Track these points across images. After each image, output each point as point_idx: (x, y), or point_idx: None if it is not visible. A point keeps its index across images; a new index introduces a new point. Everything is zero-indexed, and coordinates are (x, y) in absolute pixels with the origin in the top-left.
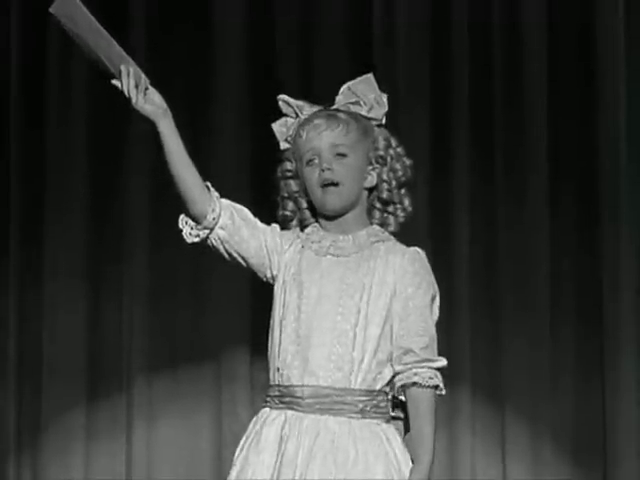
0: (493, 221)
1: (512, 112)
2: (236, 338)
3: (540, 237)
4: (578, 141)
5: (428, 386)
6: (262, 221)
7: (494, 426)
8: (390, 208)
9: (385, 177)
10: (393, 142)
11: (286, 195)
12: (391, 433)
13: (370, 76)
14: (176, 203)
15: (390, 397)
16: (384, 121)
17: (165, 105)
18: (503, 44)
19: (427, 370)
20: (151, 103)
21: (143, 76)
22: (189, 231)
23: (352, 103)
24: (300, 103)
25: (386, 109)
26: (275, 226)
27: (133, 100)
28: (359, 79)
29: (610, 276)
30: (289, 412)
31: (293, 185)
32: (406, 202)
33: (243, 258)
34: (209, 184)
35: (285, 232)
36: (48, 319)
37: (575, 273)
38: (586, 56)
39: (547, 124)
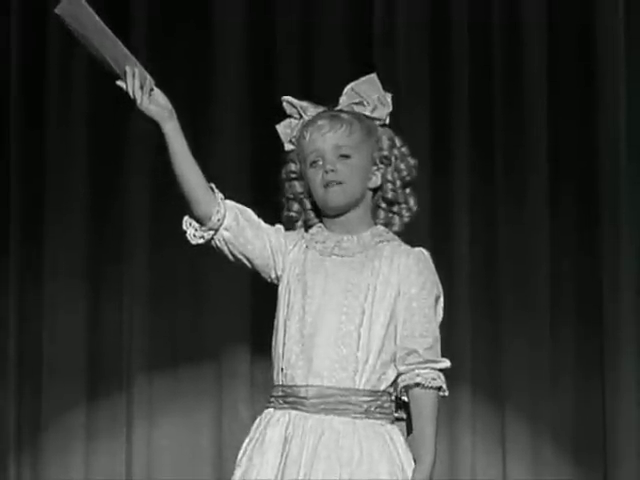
0: (493, 221)
1: (512, 112)
2: (236, 337)
3: (540, 237)
4: (578, 141)
5: (431, 387)
6: (264, 221)
7: (494, 425)
8: (395, 208)
9: (389, 177)
10: (397, 142)
11: (291, 196)
12: (395, 434)
13: (374, 76)
14: (177, 203)
15: (394, 398)
16: (388, 121)
17: (170, 106)
18: (503, 44)
19: (430, 371)
20: (156, 104)
21: (148, 77)
22: (193, 232)
23: (356, 103)
24: (304, 104)
25: (390, 109)
26: (279, 227)
27: (138, 101)
28: (363, 79)
29: (610, 276)
30: (293, 412)
31: (297, 186)
32: (411, 202)
33: (248, 259)
34: (213, 185)
35: (289, 232)
36: (48, 319)
37: (575, 273)
38: (586, 56)
39: (547, 124)
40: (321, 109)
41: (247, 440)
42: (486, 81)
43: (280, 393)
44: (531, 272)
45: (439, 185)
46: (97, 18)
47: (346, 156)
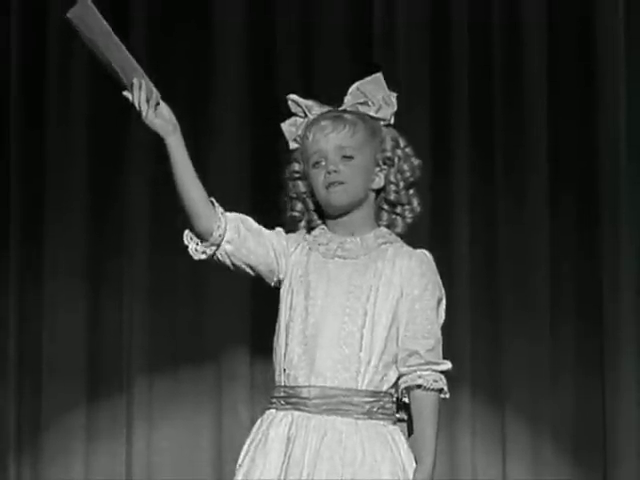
0: (493, 221)
1: (512, 112)
2: (236, 338)
3: (540, 237)
4: (578, 141)
5: (432, 389)
6: (265, 223)
7: (494, 426)
8: (398, 209)
9: (392, 179)
10: (401, 142)
11: (294, 196)
12: (397, 434)
13: (379, 75)
14: (177, 202)
15: (395, 399)
16: (392, 121)
17: (175, 120)
18: (503, 44)
19: (431, 373)
20: (161, 118)
21: (155, 90)
22: (195, 247)
23: (360, 103)
24: (309, 103)
25: (395, 109)
26: (280, 230)
27: (143, 114)
28: (368, 79)
29: (610, 276)
30: (296, 413)
31: (301, 186)
32: (414, 203)
33: (251, 267)
34: (213, 199)
35: (290, 235)
36: (48, 318)
37: (575, 273)
38: (586, 56)
39: (547, 124)
40: (326, 108)
41: (249, 441)
42: (486, 81)
43: (282, 394)
44: (531, 272)
45: (439, 186)
46: (108, 27)
47: (349, 157)
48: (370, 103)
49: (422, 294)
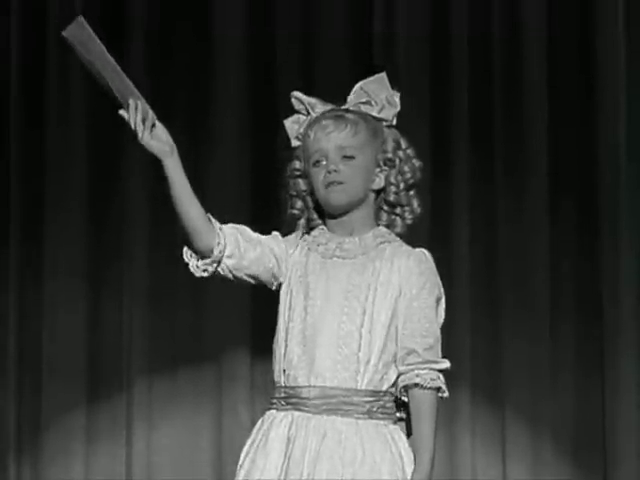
0: (493, 221)
1: (512, 122)
2: (236, 339)
3: (540, 238)
4: (578, 152)
5: (430, 387)
6: (263, 232)
7: (494, 426)
8: (397, 210)
9: (392, 180)
10: (403, 144)
11: (294, 193)
12: (397, 434)
13: (383, 75)
14: (175, 220)
15: (395, 398)
16: (395, 121)
17: (172, 142)
18: (503, 57)
19: (429, 372)
20: (158, 140)
21: (151, 112)
22: (195, 264)
23: (363, 103)
24: (312, 101)
25: (398, 109)
26: (276, 234)
27: (139, 135)
28: (372, 78)
29: (610, 278)
30: (296, 413)
31: (301, 184)
32: (415, 204)
33: (252, 277)
34: (210, 215)
35: (288, 237)
36: (48, 318)
37: (575, 273)
38: (586, 69)
39: (547, 137)
40: (329, 107)
41: (249, 442)
42: (486, 94)
43: (282, 394)
44: (531, 272)
45: (439, 189)
46: (103, 47)
47: (349, 157)
48: (373, 103)
49: (420, 293)
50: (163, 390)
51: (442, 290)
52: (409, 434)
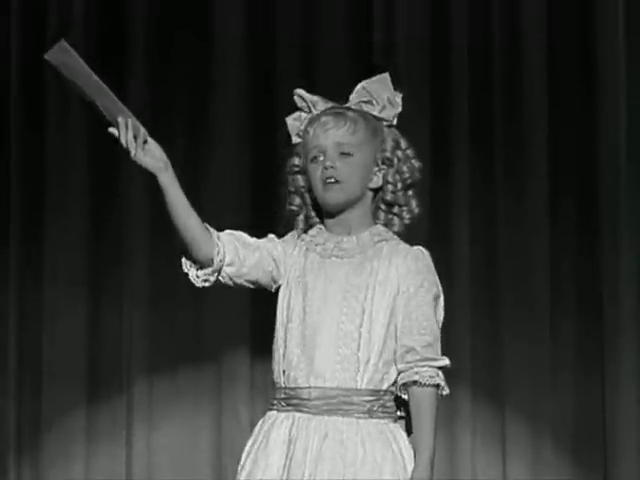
0: (493, 221)
1: (512, 129)
2: (236, 340)
3: (540, 238)
4: (578, 156)
5: (429, 385)
6: (262, 237)
7: (494, 425)
8: (395, 209)
9: (390, 179)
10: (402, 144)
11: (293, 190)
12: (398, 432)
13: (386, 75)
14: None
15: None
16: (395, 122)
17: (165, 157)
18: (503, 67)
19: (428, 369)
20: (151, 156)
21: (142, 129)
22: (195, 274)
23: (364, 102)
24: (315, 98)
25: (399, 109)
26: (272, 236)
27: (132, 152)
28: (375, 78)
29: (610, 277)
30: (297, 414)
31: (300, 180)
32: (413, 204)
33: (252, 282)
34: (207, 225)
35: (285, 238)
36: (48, 323)
37: (575, 273)
38: (587, 77)
39: (547, 138)
40: (331, 104)
41: (250, 442)
42: (486, 102)
43: (283, 395)
44: (531, 272)
45: (439, 189)
46: (89, 69)
47: (347, 154)
48: (374, 102)
49: (417, 291)
50: (163, 390)
51: (440, 288)
52: (409, 432)
